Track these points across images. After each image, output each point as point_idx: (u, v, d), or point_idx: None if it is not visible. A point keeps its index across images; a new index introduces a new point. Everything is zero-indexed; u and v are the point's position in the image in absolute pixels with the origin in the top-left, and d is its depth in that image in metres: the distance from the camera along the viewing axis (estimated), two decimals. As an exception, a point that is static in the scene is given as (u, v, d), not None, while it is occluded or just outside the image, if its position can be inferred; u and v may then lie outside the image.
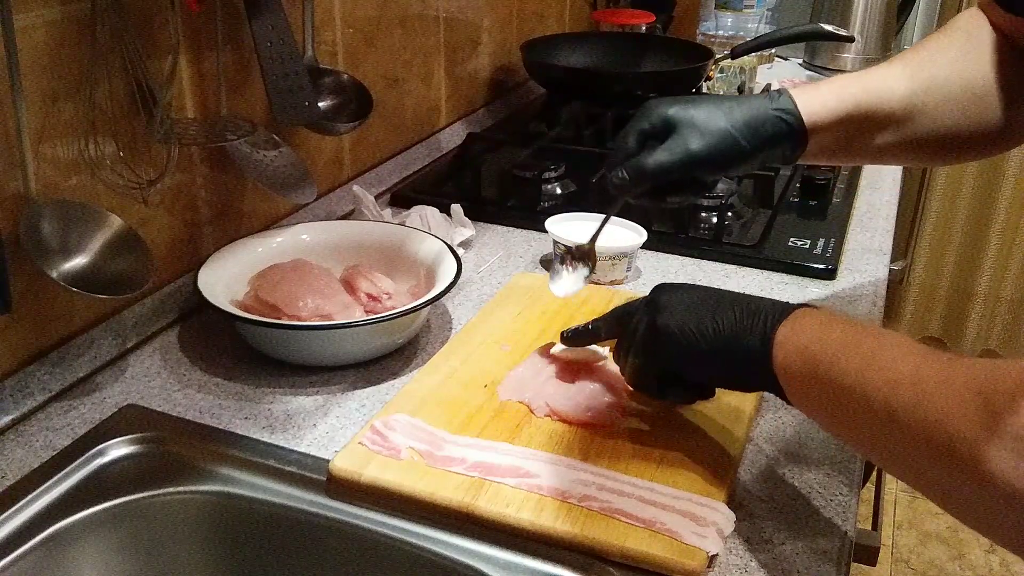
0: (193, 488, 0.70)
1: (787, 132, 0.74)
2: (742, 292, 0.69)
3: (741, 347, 0.64)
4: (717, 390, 0.73)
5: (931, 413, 0.49)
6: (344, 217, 1.14)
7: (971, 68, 0.77)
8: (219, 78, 0.91)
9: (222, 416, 0.77)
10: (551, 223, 1.02)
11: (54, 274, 0.73)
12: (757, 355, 0.63)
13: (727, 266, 1.05)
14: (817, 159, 0.79)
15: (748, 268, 1.05)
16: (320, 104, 1.01)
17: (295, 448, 0.73)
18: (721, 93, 1.67)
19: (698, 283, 0.99)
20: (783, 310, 0.64)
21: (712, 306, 0.66)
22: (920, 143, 0.79)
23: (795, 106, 0.74)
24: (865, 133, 0.77)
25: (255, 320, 0.81)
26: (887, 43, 1.92)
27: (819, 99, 0.75)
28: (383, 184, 1.25)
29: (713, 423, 0.75)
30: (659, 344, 0.68)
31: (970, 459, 0.46)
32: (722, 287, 1.00)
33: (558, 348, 0.80)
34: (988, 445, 0.45)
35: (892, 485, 2.17)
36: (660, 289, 0.72)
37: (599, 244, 0.98)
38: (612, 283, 1.00)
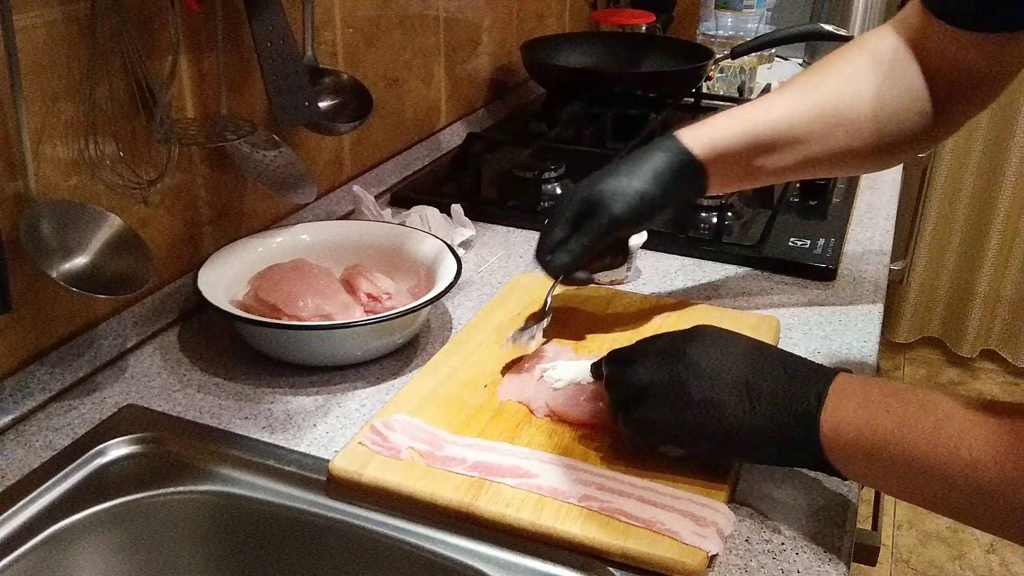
0: (193, 488, 0.70)
1: (687, 170, 0.79)
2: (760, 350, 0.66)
3: (782, 436, 0.62)
4: None
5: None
6: (344, 217, 1.14)
7: (866, 94, 0.79)
8: (219, 78, 0.91)
9: (222, 416, 0.77)
10: (551, 223, 1.02)
11: (54, 274, 0.73)
12: (802, 445, 0.61)
13: (727, 266, 1.05)
14: (724, 188, 0.85)
15: (748, 268, 1.05)
16: (320, 104, 1.01)
17: (295, 448, 0.73)
18: (721, 93, 1.67)
19: (699, 294, 0.99)
20: (818, 392, 0.61)
21: (743, 382, 0.63)
22: (815, 163, 0.82)
23: (685, 146, 0.79)
24: (757, 160, 0.81)
25: (255, 320, 0.81)
26: (887, 43, 1.92)
27: (707, 135, 0.80)
28: (383, 184, 1.25)
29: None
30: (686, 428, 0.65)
31: None
32: (722, 287, 1.01)
33: (551, 377, 0.77)
34: None
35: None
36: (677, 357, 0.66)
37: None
38: (612, 283, 1.00)
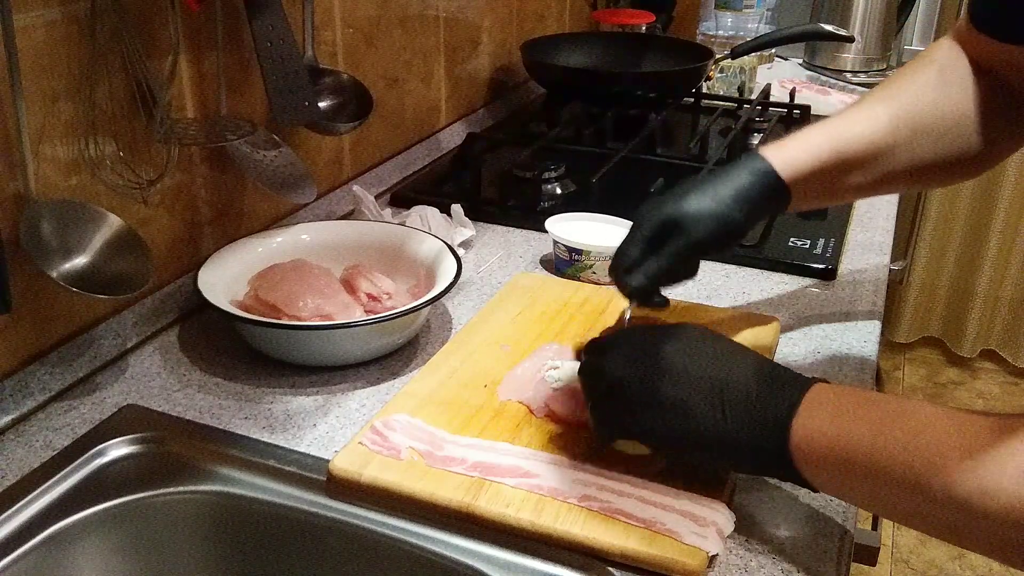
0: (193, 488, 0.70)
1: (771, 191, 0.76)
2: (735, 353, 0.65)
3: (751, 445, 0.61)
4: None
5: (1003, 500, 0.50)
6: (344, 217, 1.14)
7: (943, 101, 0.78)
8: (219, 78, 0.91)
9: (222, 416, 0.77)
10: (551, 223, 1.02)
11: (54, 274, 0.73)
12: (771, 454, 0.60)
13: (727, 266, 1.05)
14: (802, 207, 0.81)
15: (748, 268, 1.05)
16: (320, 104, 1.01)
17: (295, 448, 0.73)
18: (721, 93, 1.67)
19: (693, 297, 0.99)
20: (791, 402, 0.60)
21: (714, 389, 0.62)
22: (897, 176, 0.79)
23: (771, 165, 0.76)
24: (842, 177, 0.78)
25: (255, 320, 0.81)
26: (887, 43, 1.92)
27: (791, 154, 0.77)
28: (383, 184, 1.25)
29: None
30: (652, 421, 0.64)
31: None
32: (722, 287, 1.01)
33: (551, 376, 0.77)
34: None
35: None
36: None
37: (601, 243, 0.98)
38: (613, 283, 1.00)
